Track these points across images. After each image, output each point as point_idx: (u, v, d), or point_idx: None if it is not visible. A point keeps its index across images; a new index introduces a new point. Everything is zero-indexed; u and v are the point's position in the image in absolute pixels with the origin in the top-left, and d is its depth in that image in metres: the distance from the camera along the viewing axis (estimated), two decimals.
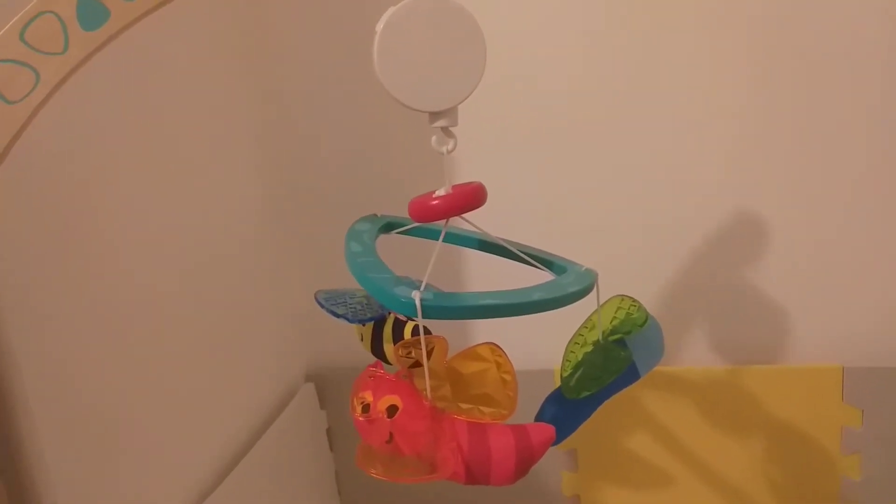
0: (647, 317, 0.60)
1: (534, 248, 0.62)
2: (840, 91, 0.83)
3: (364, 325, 0.62)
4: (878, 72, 0.81)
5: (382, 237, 0.60)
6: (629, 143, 0.88)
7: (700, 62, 0.85)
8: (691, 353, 0.93)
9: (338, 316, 0.60)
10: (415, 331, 0.54)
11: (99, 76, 0.55)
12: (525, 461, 0.47)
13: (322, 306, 0.61)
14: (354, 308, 0.62)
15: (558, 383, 0.59)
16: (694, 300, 0.92)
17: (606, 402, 0.95)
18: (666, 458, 0.94)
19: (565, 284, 0.52)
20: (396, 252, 0.57)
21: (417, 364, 0.47)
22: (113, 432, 0.68)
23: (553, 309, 0.49)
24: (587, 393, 0.56)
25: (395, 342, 0.58)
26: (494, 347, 0.48)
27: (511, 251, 0.59)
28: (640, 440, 0.95)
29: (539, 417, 0.56)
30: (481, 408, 0.46)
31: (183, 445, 0.78)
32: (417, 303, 0.43)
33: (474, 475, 0.46)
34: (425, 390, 0.46)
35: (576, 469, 0.98)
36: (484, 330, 0.88)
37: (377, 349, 0.61)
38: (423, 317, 0.44)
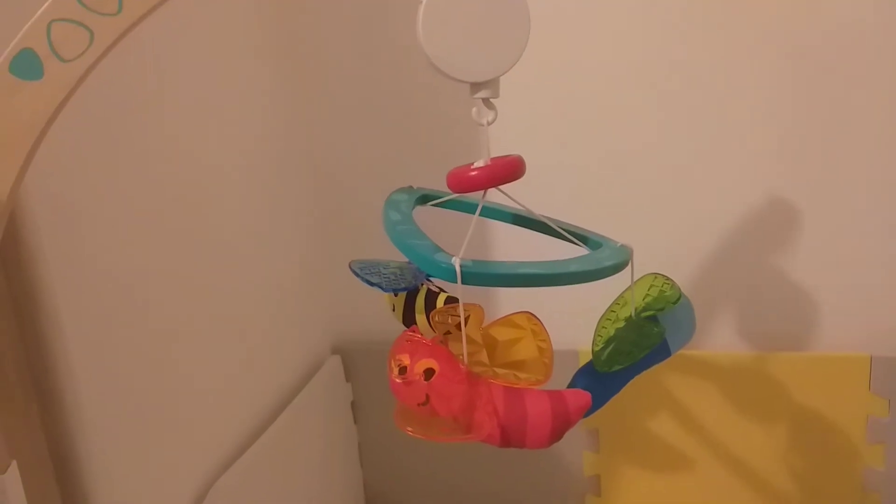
0: (679, 294, 0.61)
1: (568, 223, 0.62)
2: (875, 82, 0.82)
3: (397, 294, 0.63)
4: None
5: (417, 210, 0.60)
6: (666, 128, 0.88)
7: (737, 46, 0.84)
8: (718, 338, 0.93)
9: (372, 284, 0.60)
10: (448, 301, 0.55)
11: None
12: (561, 425, 0.47)
13: (357, 275, 0.61)
14: (388, 278, 0.62)
15: (583, 363, 0.60)
16: (723, 285, 0.91)
17: (631, 383, 0.95)
18: (688, 442, 0.94)
19: (602, 258, 0.53)
20: (429, 227, 0.58)
21: (451, 332, 0.47)
22: (147, 407, 0.69)
23: (588, 281, 0.49)
24: (618, 367, 0.57)
25: (426, 313, 0.59)
26: (530, 316, 0.48)
27: (547, 225, 0.59)
28: (662, 423, 0.95)
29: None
30: (517, 374, 0.47)
31: (211, 417, 0.79)
32: (457, 268, 0.44)
33: (510, 438, 0.46)
34: (461, 355, 0.46)
35: (597, 449, 0.99)
36: (512, 308, 0.88)
37: (409, 320, 0.62)
38: (462, 283, 0.44)
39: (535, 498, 1.04)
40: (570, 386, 0.57)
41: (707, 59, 0.85)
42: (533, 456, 1.01)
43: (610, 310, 0.63)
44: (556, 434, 0.47)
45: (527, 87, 0.78)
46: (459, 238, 0.54)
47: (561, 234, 0.59)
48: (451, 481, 1.07)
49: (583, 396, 0.48)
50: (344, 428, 1.06)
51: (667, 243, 0.88)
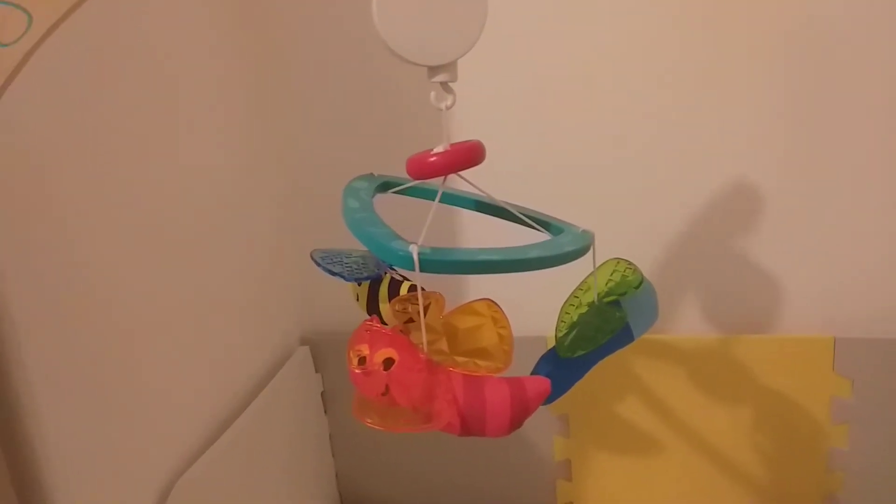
0: (642, 279, 0.61)
1: (531, 209, 0.62)
2: (842, 68, 0.82)
3: (360, 284, 0.62)
4: (883, 51, 0.81)
5: (378, 198, 0.60)
6: (629, 109, 0.88)
7: (702, 31, 0.84)
8: (684, 322, 0.94)
9: (334, 274, 0.60)
10: (412, 290, 0.55)
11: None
12: (520, 412, 0.47)
13: (318, 265, 0.61)
14: (350, 267, 0.62)
15: (550, 348, 0.59)
16: (688, 269, 0.92)
17: (598, 368, 0.95)
18: (657, 426, 0.95)
19: (563, 243, 0.52)
20: (391, 214, 0.57)
21: (412, 320, 0.47)
22: (110, 401, 0.68)
23: (549, 267, 0.49)
24: (581, 352, 0.56)
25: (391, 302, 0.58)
26: (491, 303, 0.48)
27: (508, 212, 0.59)
28: (631, 407, 0.95)
29: (534, 375, 0.57)
30: (477, 361, 0.46)
31: (177, 410, 0.78)
32: (415, 255, 0.43)
33: (469, 426, 0.46)
34: (421, 344, 0.46)
35: (568, 434, 0.99)
36: (479, 295, 0.88)
37: (373, 309, 0.61)
38: (421, 270, 0.44)
39: (507, 484, 1.04)
40: (534, 372, 0.57)
41: (669, 43, 0.85)
42: (504, 442, 1.01)
43: (573, 295, 0.62)
44: (516, 421, 0.47)
45: (488, 71, 0.78)
46: (422, 226, 0.54)
47: (522, 220, 0.58)
48: (423, 470, 1.07)
49: (542, 383, 0.48)
50: (314, 419, 1.05)
51: (631, 229, 0.88)
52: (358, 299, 0.64)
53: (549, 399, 0.58)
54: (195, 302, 0.81)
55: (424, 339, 0.45)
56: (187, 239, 0.80)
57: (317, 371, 1.05)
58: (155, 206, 0.75)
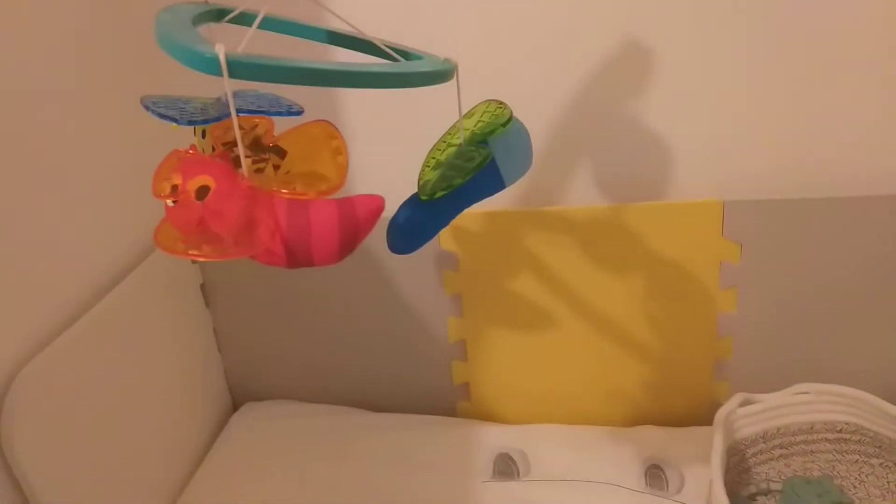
0: (510, 115, 0.56)
1: (397, 44, 0.55)
2: None
3: (197, 130, 0.55)
4: None
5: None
6: None
7: None
8: (575, 193, 0.91)
9: (163, 117, 0.52)
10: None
11: None
12: (349, 233, 0.42)
13: (148, 109, 0.53)
14: (188, 112, 0.55)
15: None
16: (578, 137, 0.88)
17: (490, 243, 0.92)
18: (550, 299, 0.93)
19: (414, 65, 0.47)
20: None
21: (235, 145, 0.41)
22: None
23: (393, 87, 0.43)
24: (441, 193, 0.52)
25: None
26: (327, 125, 0.42)
27: (365, 42, 0.52)
28: (524, 282, 0.93)
29: (393, 220, 0.52)
30: (306, 184, 0.41)
31: (32, 290, 0.71)
32: (222, 58, 0.37)
33: (296, 254, 0.41)
34: (242, 169, 0.40)
35: (461, 314, 0.97)
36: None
37: None
38: (231, 76, 0.37)
39: (401, 369, 1.02)
40: (394, 217, 0.53)
41: None
42: (398, 324, 0.98)
43: (441, 139, 0.57)
44: (346, 244, 0.42)
45: None
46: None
47: (381, 49, 0.52)
48: (316, 360, 1.04)
49: (373, 200, 0.43)
50: (195, 313, 0.99)
51: (517, 95, 0.83)
52: (204, 151, 0.57)
53: (414, 245, 0.54)
54: (52, 192, 0.73)
55: (244, 164, 0.39)
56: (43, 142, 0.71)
57: (194, 262, 0.98)
58: None
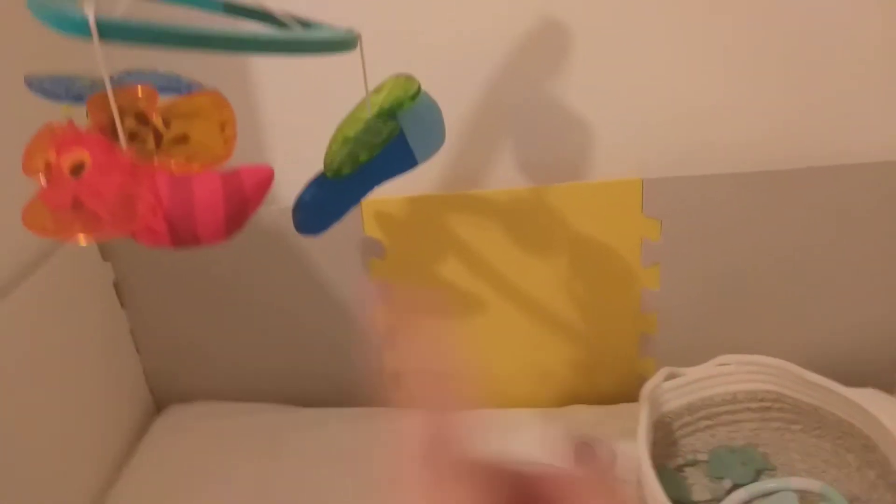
0: (419, 88, 0.55)
1: (303, 17, 0.53)
2: None
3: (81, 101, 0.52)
4: None
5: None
6: None
7: None
8: (495, 175, 0.90)
9: (47, 94, 0.49)
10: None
11: None
12: (236, 208, 0.40)
13: (31, 86, 0.50)
14: (74, 88, 0.51)
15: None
16: (496, 119, 0.87)
17: (410, 230, 0.91)
18: (473, 282, 0.93)
19: (310, 34, 0.45)
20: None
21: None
22: None
23: (284, 54, 0.41)
24: (347, 171, 0.50)
25: None
26: (217, 96, 0.40)
27: (264, 12, 0.50)
28: (448, 266, 0.92)
29: (298, 198, 0.50)
30: (191, 156, 0.39)
31: None
32: (91, 20, 0.34)
33: (179, 233, 0.39)
34: (120, 142, 0.37)
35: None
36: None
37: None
38: (102, 38, 0.35)
39: (330, 361, 1.00)
40: (299, 196, 0.51)
41: None
42: (325, 315, 0.95)
43: (350, 115, 0.56)
44: (233, 219, 0.40)
45: None
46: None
47: (280, 20, 0.50)
48: (240, 357, 1.00)
49: (261, 171, 0.41)
50: (110, 313, 0.95)
51: (436, 77, 0.82)
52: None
53: (321, 225, 0.52)
54: None
55: (122, 135, 0.36)
56: None
57: (105, 259, 0.93)
58: None
